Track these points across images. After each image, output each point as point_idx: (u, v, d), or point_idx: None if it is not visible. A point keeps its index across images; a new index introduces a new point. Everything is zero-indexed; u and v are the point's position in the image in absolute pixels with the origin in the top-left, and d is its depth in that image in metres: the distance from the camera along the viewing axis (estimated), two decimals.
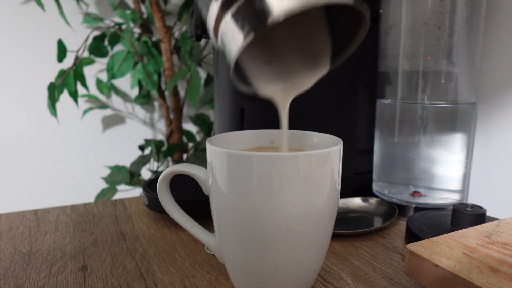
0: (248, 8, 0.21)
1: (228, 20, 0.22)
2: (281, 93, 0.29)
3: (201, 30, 0.43)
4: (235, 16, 0.22)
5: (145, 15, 1.04)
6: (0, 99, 1.00)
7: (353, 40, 0.26)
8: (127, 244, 0.38)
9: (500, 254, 0.25)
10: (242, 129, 0.46)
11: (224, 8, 0.22)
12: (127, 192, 1.07)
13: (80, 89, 1.02)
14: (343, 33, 0.27)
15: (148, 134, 1.17)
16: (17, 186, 1.05)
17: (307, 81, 0.29)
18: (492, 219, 0.37)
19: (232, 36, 0.22)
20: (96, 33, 1.02)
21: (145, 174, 1.11)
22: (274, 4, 0.21)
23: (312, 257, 0.27)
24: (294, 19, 0.24)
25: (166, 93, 1.08)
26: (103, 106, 1.08)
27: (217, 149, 0.25)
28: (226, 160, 0.24)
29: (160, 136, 1.17)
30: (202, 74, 1.13)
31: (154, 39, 1.03)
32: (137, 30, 1.06)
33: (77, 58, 0.93)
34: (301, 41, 0.28)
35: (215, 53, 0.51)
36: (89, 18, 1.00)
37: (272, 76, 0.29)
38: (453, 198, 0.44)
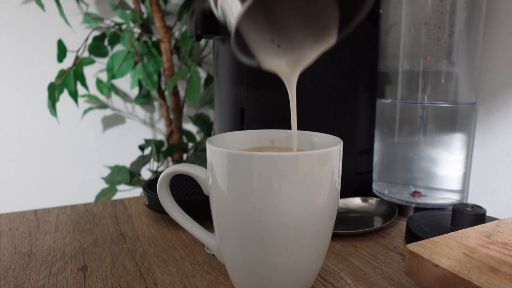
0: None
1: None
2: (287, 67, 0.27)
3: (201, 30, 0.43)
4: None
5: (145, 15, 1.04)
6: (0, 99, 1.00)
7: (360, 9, 0.24)
8: (127, 244, 0.38)
9: (500, 254, 0.25)
10: (242, 129, 0.46)
11: None
12: (127, 192, 1.07)
13: (80, 89, 1.02)
14: (349, 3, 0.25)
15: (148, 134, 1.17)
16: (17, 186, 1.05)
17: (312, 54, 0.27)
18: (492, 219, 0.37)
19: (231, 2, 0.21)
20: (96, 33, 1.02)
21: (145, 174, 1.11)
22: None
23: (312, 257, 0.27)
24: None
25: (166, 93, 1.08)
26: (103, 106, 1.08)
27: (217, 149, 0.25)
28: (226, 160, 0.24)
29: (160, 136, 1.17)
30: (202, 74, 1.13)
31: (154, 39, 1.03)
32: (137, 30, 1.06)
33: (77, 58, 0.93)
34: (306, 12, 0.27)
35: (215, 53, 0.51)
36: (89, 18, 1.00)
37: (276, 49, 0.27)
38: (453, 198, 0.44)
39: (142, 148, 1.05)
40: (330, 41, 0.27)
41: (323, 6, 0.26)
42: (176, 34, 1.07)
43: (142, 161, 1.00)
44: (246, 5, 0.20)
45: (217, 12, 0.24)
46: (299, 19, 0.27)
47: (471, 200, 0.47)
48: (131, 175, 0.97)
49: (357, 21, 0.25)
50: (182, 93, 1.12)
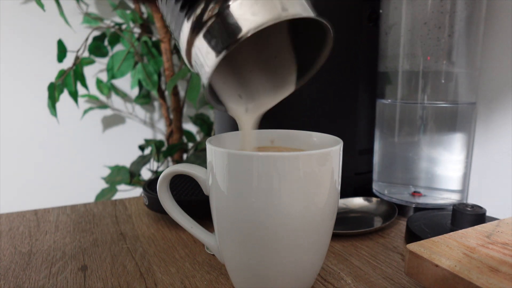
0: (218, 27, 0.22)
1: (199, 41, 0.23)
2: (245, 114, 0.30)
3: None
4: (206, 37, 0.23)
5: (145, 15, 1.04)
6: (0, 99, 1.00)
7: (318, 57, 0.27)
8: (127, 244, 0.38)
9: (500, 254, 0.25)
10: None
11: (194, 31, 0.23)
12: (127, 192, 1.07)
13: (80, 89, 1.02)
14: (308, 50, 0.27)
15: (148, 134, 1.17)
16: (17, 186, 1.05)
17: (270, 103, 0.30)
18: (492, 219, 0.37)
19: (204, 56, 0.23)
20: (96, 33, 1.02)
21: (145, 174, 1.11)
22: (243, 21, 0.22)
23: (312, 257, 0.27)
24: (258, 38, 0.25)
25: (166, 93, 1.08)
26: (103, 106, 1.08)
27: (217, 149, 0.25)
28: (226, 160, 0.24)
29: (160, 136, 1.17)
30: None
31: (154, 39, 1.03)
32: (137, 30, 1.06)
33: (77, 58, 0.93)
34: (266, 67, 0.29)
35: None
36: (89, 18, 1.00)
37: (238, 99, 0.30)
38: (453, 198, 0.44)
39: (142, 148, 1.05)
40: (288, 90, 0.29)
41: (281, 61, 0.29)
42: None
43: (142, 161, 1.00)
44: (220, 56, 0.22)
45: (191, 66, 0.26)
46: (260, 73, 0.30)
47: (471, 200, 0.47)
48: (131, 175, 0.97)
49: (316, 69, 0.27)
50: (182, 93, 1.12)
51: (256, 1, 0.22)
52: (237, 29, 0.22)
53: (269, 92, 0.30)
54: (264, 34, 0.24)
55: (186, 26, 0.24)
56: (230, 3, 0.22)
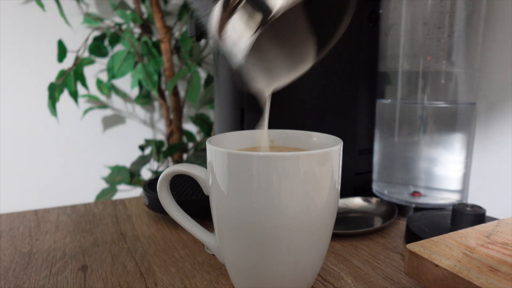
0: (252, 6, 0.23)
1: (234, 20, 0.24)
2: (265, 86, 0.31)
3: (201, 30, 0.43)
4: (241, 15, 0.24)
5: (145, 15, 1.04)
6: (0, 99, 1.00)
7: (337, 29, 0.28)
8: (127, 244, 0.38)
9: (500, 254, 0.25)
10: (242, 129, 0.46)
11: (227, 10, 0.24)
12: (127, 192, 1.07)
13: (80, 89, 1.02)
14: (327, 25, 0.29)
15: (148, 134, 1.17)
16: (17, 186, 1.05)
17: (289, 77, 0.31)
18: (492, 219, 0.37)
19: (239, 33, 0.24)
20: (96, 33, 1.02)
21: (145, 174, 1.11)
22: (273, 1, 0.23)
23: (312, 257, 0.27)
24: (279, 19, 0.26)
25: (166, 93, 1.08)
26: (103, 106, 1.08)
27: (217, 149, 0.25)
28: (226, 160, 0.24)
29: (160, 136, 1.17)
30: (202, 74, 1.13)
31: (154, 39, 1.03)
32: (137, 30, 1.06)
33: (77, 58, 0.93)
34: (283, 39, 0.30)
35: (215, 53, 0.51)
36: (89, 18, 1.00)
37: (258, 73, 0.31)
38: (453, 198, 0.44)
39: (142, 148, 1.05)
40: (307, 65, 0.31)
41: (297, 38, 0.30)
42: (176, 34, 1.07)
43: (142, 161, 1.00)
44: (255, 34, 0.23)
45: (222, 44, 0.26)
46: (279, 52, 0.31)
47: (471, 200, 0.47)
48: (131, 175, 0.97)
49: (335, 40, 0.29)
50: (182, 93, 1.12)
51: None
52: (270, 7, 0.22)
53: (289, 68, 0.30)
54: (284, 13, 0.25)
55: (219, 5, 0.24)
56: None
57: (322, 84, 0.43)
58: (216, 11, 0.24)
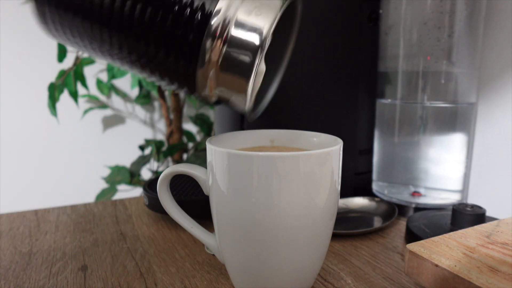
0: (235, 53, 0.24)
1: (221, 74, 0.25)
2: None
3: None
4: (226, 66, 0.24)
5: None
6: (0, 99, 1.00)
7: (292, 29, 0.28)
8: (127, 244, 0.38)
9: (500, 254, 0.25)
10: (242, 129, 0.46)
11: (209, 66, 0.24)
12: (127, 192, 1.07)
13: (80, 89, 1.02)
14: (284, 30, 0.29)
15: (148, 134, 1.17)
16: (17, 186, 1.05)
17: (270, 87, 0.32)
18: (492, 219, 0.37)
19: (235, 84, 0.24)
20: None
21: (145, 174, 1.11)
22: (253, 33, 0.23)
23: (312, 257, 0.27)
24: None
25: (166, 93, 1.08)
26: (103, 106, 1.08)
27: (217, 149, 0.25)
28: (226, 160, 0.24)
29: (160, 136, 1.17)
30: None
31: None
32: None
33: (77, 58, 0.93)
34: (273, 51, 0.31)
35: None
36: None
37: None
38: (453, 198, 0.44)
39: (142, 148, 1.05)
40: (282, 72, 0.31)
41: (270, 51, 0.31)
42: None
43: (142, 161, 1.00)
44: (252, 76, 0.24)
45: (210, 97, 0.27)
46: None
47: (471, 200, 0.47)
48: (131, 175, 0.97)
49: (292, 42, 0.29)
50: (182, 93, 1.12)
51: (249, 11, 0.23)
52: (254, 41, 0.23)
53: (270, 81, 0.31)
54: None
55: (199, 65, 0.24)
56: (229, 27, 0.23)
57: (322, 84, 0.43)
58: (199, 74, 0.24)
